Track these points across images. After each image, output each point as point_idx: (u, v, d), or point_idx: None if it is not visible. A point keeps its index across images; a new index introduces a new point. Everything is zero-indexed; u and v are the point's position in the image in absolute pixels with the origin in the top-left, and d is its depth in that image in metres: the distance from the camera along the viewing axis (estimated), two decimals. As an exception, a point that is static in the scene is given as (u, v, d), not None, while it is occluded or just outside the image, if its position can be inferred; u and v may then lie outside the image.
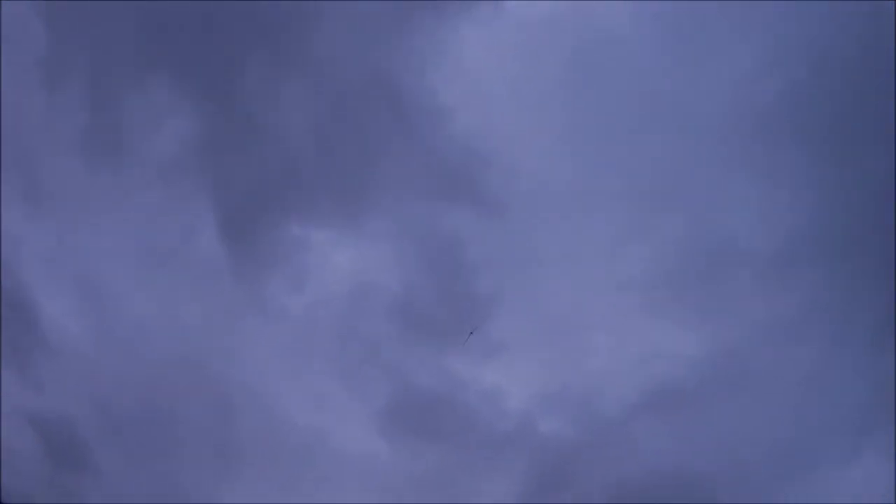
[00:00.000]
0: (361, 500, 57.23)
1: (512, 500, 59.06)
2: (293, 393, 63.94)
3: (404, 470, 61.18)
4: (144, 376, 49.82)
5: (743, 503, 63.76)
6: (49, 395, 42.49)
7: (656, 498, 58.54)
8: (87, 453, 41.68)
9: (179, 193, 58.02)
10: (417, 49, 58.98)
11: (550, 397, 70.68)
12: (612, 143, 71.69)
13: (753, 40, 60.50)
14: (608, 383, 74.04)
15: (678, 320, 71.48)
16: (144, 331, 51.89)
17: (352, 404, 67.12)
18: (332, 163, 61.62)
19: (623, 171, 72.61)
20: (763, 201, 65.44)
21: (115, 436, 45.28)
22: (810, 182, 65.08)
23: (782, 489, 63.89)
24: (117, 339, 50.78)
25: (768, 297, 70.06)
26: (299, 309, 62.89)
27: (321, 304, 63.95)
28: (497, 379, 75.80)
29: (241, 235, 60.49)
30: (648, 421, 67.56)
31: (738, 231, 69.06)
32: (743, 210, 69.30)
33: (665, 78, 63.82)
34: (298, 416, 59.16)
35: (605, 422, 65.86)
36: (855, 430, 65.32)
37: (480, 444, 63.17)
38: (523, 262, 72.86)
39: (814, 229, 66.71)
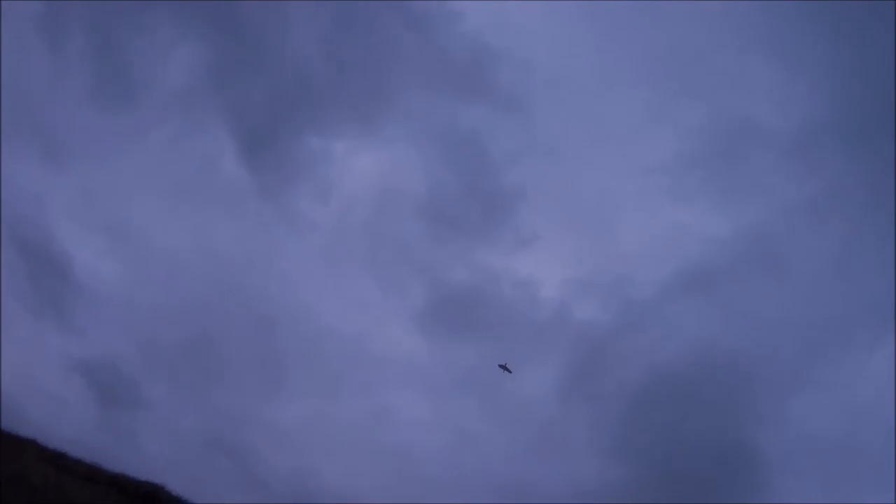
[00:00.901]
0: (405, 400, 59.90)
1: (552, 389, 60.44)
2: (330, 301, 65.61)
3: (444, 367, 63.19)
4: (183, 306, 51.44)
5: (775, 381, 63.78)
6: (91, 339, 43.82)
7: (692, 378, 58.84)
8: (134, 390, 43.88)
9: (195, 123, 57.20)
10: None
11: (583, 284, 70.30)
12: (628, 29, 67.94)
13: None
14: (639, 267, 73.17)
15: (705, 202, 69.33)
16: (177, 261, 53.19)
17: (388, 306, 68.59)
18: (344, 72, 59.60)
19: (642, 56, 69.25)
20: (783, 85, 61.99)
21: (161, 368, 47.39)
22: (829, 67, 62.43)
23: (811, 369, 63.08)
24: (151, 274, 52.42)
25: (793, 179, 66.96)
26: (328, 219, 63.28)
27: (349, 211, 64.10)
28: (530, 269, 75.43)
29: (261, 155, 60.12)
30: (680, 302, 66.94)
31: (759, 113, 66.08)
32: (763, 93, 66.17)
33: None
34: (337, 323, 60.86)
35: (638, 305, 65.58)
36: (881, 316, 63.11)
37: (517, 336, 64.13)
38: (547, 153, 70.89)
39: (833, 113, 63.80)
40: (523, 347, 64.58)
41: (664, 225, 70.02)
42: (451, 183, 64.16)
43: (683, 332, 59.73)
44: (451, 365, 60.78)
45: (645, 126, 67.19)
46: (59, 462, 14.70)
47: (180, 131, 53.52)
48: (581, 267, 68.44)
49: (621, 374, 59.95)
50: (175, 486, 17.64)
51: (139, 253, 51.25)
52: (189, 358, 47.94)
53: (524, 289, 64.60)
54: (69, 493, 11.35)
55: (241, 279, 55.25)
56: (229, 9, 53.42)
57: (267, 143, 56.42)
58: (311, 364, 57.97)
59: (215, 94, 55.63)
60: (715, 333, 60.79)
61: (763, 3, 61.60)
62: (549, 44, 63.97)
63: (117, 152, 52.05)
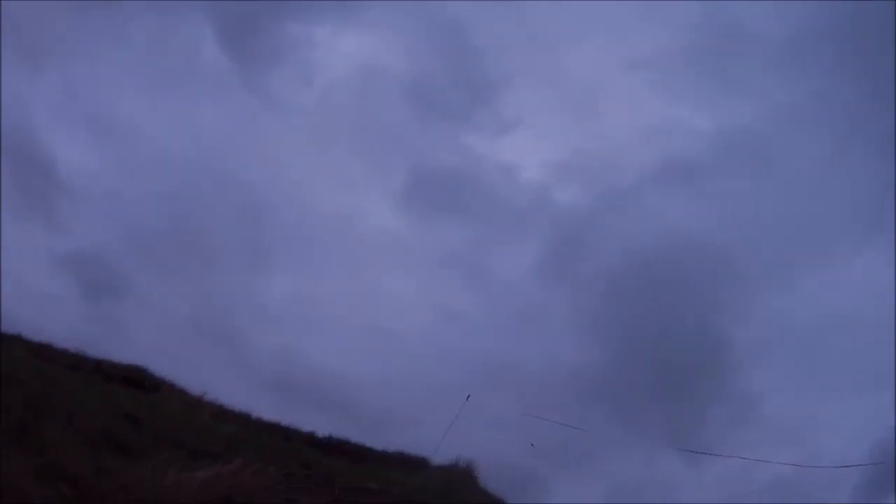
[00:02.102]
0: (388, 279, 62.15)
1: (531, 271, 62.60)
2: (315, 182, 66.74)
3: (427, 247, 65.09)
4: (169, 196, 52.68)
5: (753, 276, 65.90)
6: (78, 235, 44.78)
7: (670, 266, 60.93)
8: (121, 280, 45.41)
9: (172, 13, 56.89)
10: None
11: (565, 168, 71.06)
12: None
13: None
14: (623, 154, 73.77)
15: (692, 97, 69.02)
16: (162, 153, 54.04)
17: (372, 187, 69.73)
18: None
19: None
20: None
21: (149, 259, 49.00)
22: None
23: (790, 268, 65.10)
24: (136, 166, 53.14)
25: (784, 82, 66.26)
26: (311, 102, 63.38)
27: (332, 94, 64.07)
28: (513, 153, 76.17)
29: (242, 42, 59.30)
30: (663, 191, 68.02)
31: (753, 15, 64.50)
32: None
33: None
34: (322, 204, 62.24)
35: (619, 191, 66.61)
36: (863, 225, 64.22)
37: (499, 217, 65.81)
38: (535, 42, 69.68)
39: (830, 22, 61.80)
40: (505, 228, 66.58)
41: (649, 116, 70.34)
42: (435, 68, 63.66)
43: (664, 221, 61.06)
44: (433, 245, 62.68)
45: (635, 19, 66.19)
46: (44, 353, 16.37)
47: (158, 22, 52.68)
48: (564, 152, 69.10)
49: (601, 258, 61.92)
50: (158, 368, 19.44)
51: (123, 145, 51.78)
52: (175, 245, 49.25)
53: (506, 172, 65.56)
54: (55, 382, 12.83)
55: (226, 165, 56.08)
56: None
57: (248, 30, 55.58)
58: (295, 245, 59.61)
59: (193, -17, 54.54)
60: (696, 224, 62.18)
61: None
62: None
63: (95, 49, 51.47)
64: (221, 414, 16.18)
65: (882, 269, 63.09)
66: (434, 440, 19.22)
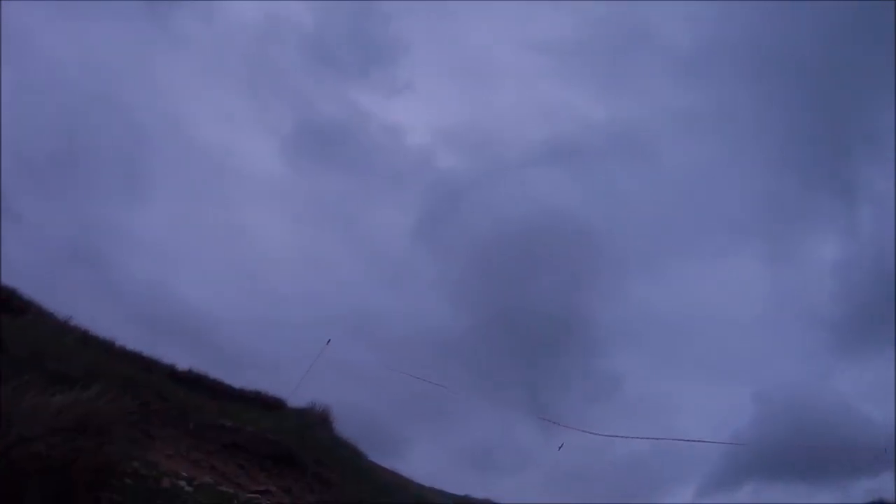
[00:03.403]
0: (263, 219, 62.43)
1: (405, 230, 64.33)
2: (202, 119, 66.04)
3: (304, 194, 65.67)
4: (59, 119, 51.09)
5: (622, 261, 70.26)
6: None
7: (543, 241, 63.90)
8: (4, 202, 44.28)
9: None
10: None
11: (452, 136, 73.49)
12: None
13: None
14: (510, 130, 77.05)
15: (587, 87, 72.62)
16: (58, 75, 52.02)
17: (258, 127, 69.72)
18: None
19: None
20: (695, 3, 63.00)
21: (33, 180, 47.79)
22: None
23: (658, 258, 69.98)
24: (29, 87, 51.08)
25: (680, 86, 70.19)
26: (210, 39, 62.33)
27: (232, 35, 63.14)
28: (402, 115, 77.80)
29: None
30: (544, 170, 71.52)
31: (663, 20, 67.25)
32: (674, 4, 67.16)
33: None
34: (207, 136, 61.95)
35: (501, 163, 69.49)
36: (738, 230, 69.63)
37: (379, 176, 67.03)
38: (440, 11, 70.36)
39: (734, 32, 65.47)
40: (384, 187, 67.77)
41: (541, 98, 72.96)
42: (338, 23, 63.73)
43: (542, 198, 64.07)
44: (311, 194, 63.48)
45: (545, 6, 67.63)
46: None
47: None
48: (452, 119, 71.15)
49: (475, 225, 64.42)
50: (29, 291, 19.63)
51: (19, 67, 49.38)
52: (61, 169, 48.05)
53: (393, 132, 66.87)
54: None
55: (119, 92, 54.67)
56: None
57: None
58: (176, 178, 59.02)
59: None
60: (572, 206, 65.61)
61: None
62: None
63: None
64: (86, 340, 16.77)
65: (751, 272, 69.04)
66: (292, 384, 20.57)
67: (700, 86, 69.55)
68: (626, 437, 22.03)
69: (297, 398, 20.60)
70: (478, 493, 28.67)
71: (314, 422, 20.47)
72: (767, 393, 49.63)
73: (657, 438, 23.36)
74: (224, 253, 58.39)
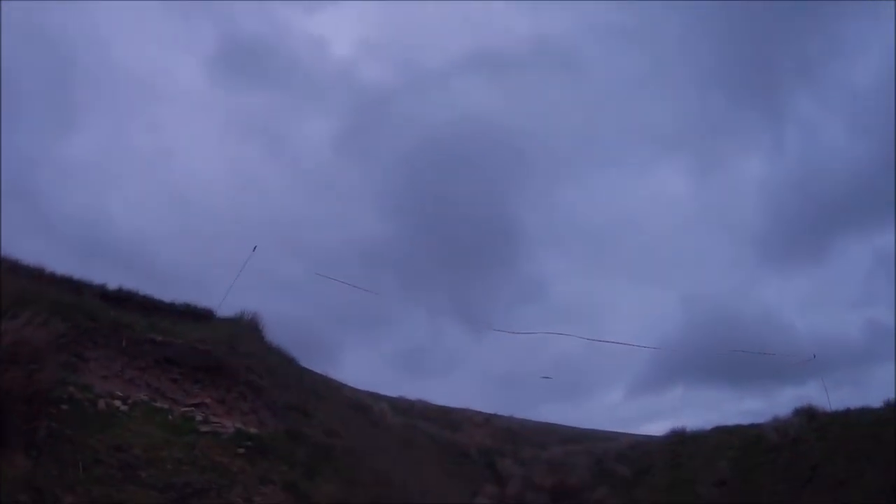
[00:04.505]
0: (188, 139, 60.89)
1: (331, 142, 63.65)
2: (125, 40, 62.94)
3: (229, 110, 64.13)
4: None
5: (548, 170, 70.91)
6: None
7: (468, 149, 63.88)
8: None
9: None
10: None
11: (375, 46, 71.67)
12: None
13: None
14: (434, 39, 75.24)
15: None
16: None
17: (182, 48, 66.76)
18: None
19: None
20: None
21: None
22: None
23: (583, 167, 70.86)
24: None
25: (612, 3, 68.33)
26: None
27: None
28: (323, 27, 75.21)
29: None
30: (469, 79, 71.05)
31: None
32: None
33: None
34: (130, 62, 59.57)
35: (426, 73, 68.57)
36: (663, 143, 70.40)
37: (303, 88, 65.61)
38: None
39: None
40: (308, 99, 66.47)
41: (467, 6, 71.04)
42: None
43: (466, 107, 63.85)
44: (236, 109, 62.20)
45: None
46: None
47: None
48: (375, 30, 69.29)
49: (400, 135, 64.17)
50: None
51: None
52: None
53: (316, 44, 65.13)
54: None
55: (39, 17, 51.70)
56: None
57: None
58: (101, 101, 56.81)
59: None
60: (497, 115, 65.51)
61: None
62: None
63: None
64: (14, 269, 16.94)
65: (678, 184, 70.91)
66: (222, 295, 21.15)
67: (630, 2, 69.00)
68: (553, 333, 23.48)
69: (226, 308, 20.99)
70: (411, 396, 30.22)
71: (244, 330, 20.88)
72: (695, 297, 52.30)
73: (587, 339, 24.87)
74: (152, 173, 57.40)
